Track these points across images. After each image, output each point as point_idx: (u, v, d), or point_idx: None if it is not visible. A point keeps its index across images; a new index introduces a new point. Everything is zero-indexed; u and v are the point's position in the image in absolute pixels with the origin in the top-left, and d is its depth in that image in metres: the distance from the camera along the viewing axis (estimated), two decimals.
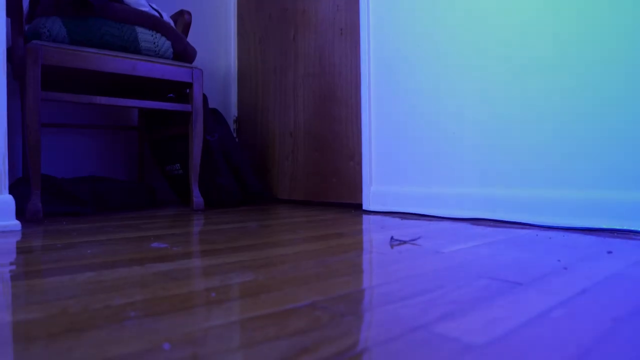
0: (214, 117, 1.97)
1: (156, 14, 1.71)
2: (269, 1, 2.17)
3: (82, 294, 0.54)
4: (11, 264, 0.74)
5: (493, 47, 1.30)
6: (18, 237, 1.02)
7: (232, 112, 2.42)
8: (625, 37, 1.05)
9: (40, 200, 1.39)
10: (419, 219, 1.36)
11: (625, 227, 1.03)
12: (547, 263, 0.71)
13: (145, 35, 1.63)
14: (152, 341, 0.39)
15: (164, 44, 1.68)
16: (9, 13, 1.46)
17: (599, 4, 1.10)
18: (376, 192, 1.64)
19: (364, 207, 1.67)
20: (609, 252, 0.80)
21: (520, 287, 0.57)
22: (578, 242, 0.91)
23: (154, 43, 1.65)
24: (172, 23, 1.77)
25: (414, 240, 0.92)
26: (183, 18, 1.87)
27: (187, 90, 1.80)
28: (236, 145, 1.96)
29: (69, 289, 0.57)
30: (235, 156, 1.93)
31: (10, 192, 1.15)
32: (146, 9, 1.67)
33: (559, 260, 0.73)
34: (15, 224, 1.13)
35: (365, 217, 1.45)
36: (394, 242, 0.90)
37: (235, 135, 2.39)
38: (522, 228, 1.13)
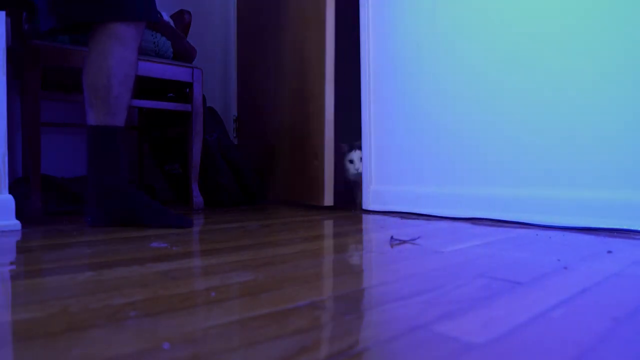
0: (211, 116, 1.97)
1: None
2: (268, 0, 2.17)
3: (82, 294, 0.54)
4: (11, 263, 0.74)
5: (495, 46, 1.30)
6: (18, 237, 1.02)
7: (232, 111, 2.42)
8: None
9: (40, 200, 1.39)
10: (418, 219, 1.36)
11: (625, 227, 1.03)
12: (547, 263, 0.71)
13: (145, 35, 1.63)
14: (152, 341, 0.39)
15: (164, 43, 1.68)
16: (8, 13, 1.46)
17: None
18: (376, 191, 1.64)
19: (364, 206, 1.67)
20: (609, 252, 0.80)
21: (520, 287, 0.57)
22: (578, 242, 0.91)
23: (154, 43, 1.65)
24: (172, 23, 1.77)
25: (413, 239, 0.92)
26: (183, 18, 1.87)
27: (187, 90, 1.80)
28: (233, 145, 1.96)
29: (68, 288, 0.57)
30: (234, 155, 1.93)
31: (10, 192, 1.15)
32: None
33: (558, 260, 0.73)
34: (15, 223, 1.13)
35: (365, 216, 1.45)
36: (394, 241, 0.90)
37: (235, 134, 2.39)
38: (522, 228, 1.13)
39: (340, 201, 1.74)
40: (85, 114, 1.18)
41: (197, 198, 1.75)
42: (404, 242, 0.90)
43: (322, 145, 1.67)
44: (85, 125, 1.18)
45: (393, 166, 1.59)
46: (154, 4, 1.19)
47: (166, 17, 1.76)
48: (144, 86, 1.85)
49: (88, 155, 1.17)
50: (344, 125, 1.84)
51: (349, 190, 1.82)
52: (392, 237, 0.93)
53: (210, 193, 1.92)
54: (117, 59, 1.12)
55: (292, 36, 1.88)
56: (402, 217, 1.41)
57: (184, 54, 1.74)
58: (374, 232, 1.10)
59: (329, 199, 1.65)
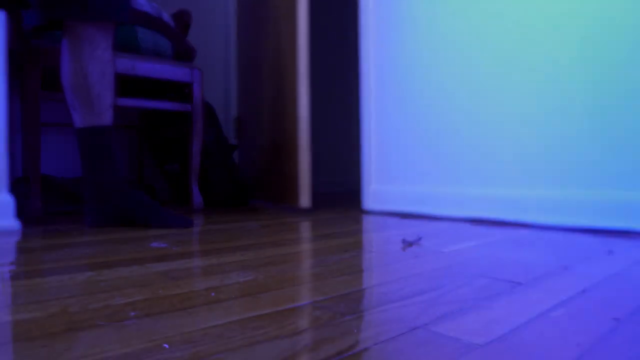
0: (208, 115, 1.96)
1: (156, 13, 1.71)
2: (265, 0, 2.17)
3: (82, 294, 0.54)
4: (11, 263, 0.74)
5: (496, 45, 1.30)
6: (18, 237, 1.02)
7: (232, 111, 2.42)
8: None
9: (40, 200, 1.39)
10: (418, 219, 1.36)
11: (625, 227, 1.03)
12: (547, 263, 0.71)
13: (145, 35, 1.63)
14: (152, 341, 0.39)
15: (164, 43, 1.68)
16: (9, 13, 1.46)
17: None
18: (376, 191, 1.64)
19: (364, 206, 1.67)
20: (609, 252, 0.80)
21: (520, 287, 0.57)
22: (578, 242, 0.91)
23: (154, 43, 1.65)
24: (172, 23, 1.77)
25: (418, 240, 0.92)
26: (183, 18, 1.87)
27: (187, 90, 1.80)
28: (228, 144, 1.96)
29: (68, 288, 0.57)
30: (229, 155, 1.93)
31: (10, 192, 1.15)
32: (146, 8, 1.67)
33: (559, 260, 0.73)
34: (15, 223, 1.13)
35: (365, 216, 1.45)
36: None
37: (235, 135, 2.39)
38: (522, 228, 1.13)
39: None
40: (71, 117, 1.18)
41: (197, 198, 1.75)
42: (412, 243, 0.90)
43: (297, 145, 1.61)
44: (73, 128, 1.19)
45: (393, 166, 1.59)
46: (126, 3, 1.17)
47: (166, 17, 1.76)
48: (144, 86, 1.84)
49: (81, 158, 1.18)
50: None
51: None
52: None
53: (210, 193, 1.92)
54: (89, 58, 1.13)
55: (272, 36, 1.86)
56: (402, 217, 1.41)
57: (184, 54, 1.74)
58: (373, 232, 1.10)
59: (304, 201, 1.58)
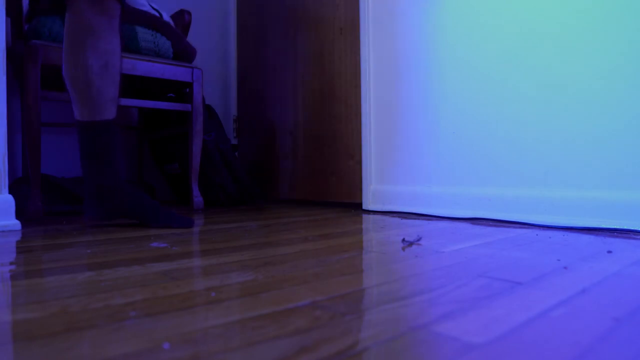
0: (209, 115, 1.97)
1: (156, 13, 1.71)
2: (269, 0, 2.17)
3: (82, 294, 0.54)
4: (11, 263, 0.74)
5: (495, 45, 1.30)
6: (18, 237, 1.02)
7: (232, 111, 2.42)
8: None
9: (40, 200, 1.39)
10: (418, 219, 1.36)
11: (625, 227, 1.03)
12: (547, 263, 0.71)
13: (145, 35, 1.63)
14: (152, 341, 0.39)
15: (164, 43, 1.68)
16: (8, 12, 1.46)
17: None
18: (376, 191, 1.64)
19: (364, 206, 1.67)
20: (609, 252, 0.80)
21: (520, 287, 0.57)
22: (578, 242, 0.91)
23: (154, 43, 1.65)
24: (172, 23, 1.77)
25: (418, 240, 0.92)
26: (183, 18, 1.87)
27: (187, 90, 1.80)
28: (230, 144, 1.97)
29: (68, 288, 0.57)
30: (231, 155, 1.93)
31: (10, 192, 1.15)
32: (146, 8, 1.67)
33: (558, 260, 0.73)
34: (15, 223, 1.13)
35: (365, 216, 1.45)
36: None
37: (235, 134, 2.39)
38: (522, 228, 1.13)
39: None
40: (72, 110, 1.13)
41: (198, 198, 1.75)
42: (412, 243, 0.90)
43: (360, 146, 1.72)
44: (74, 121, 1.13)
45: (393, 166, 1.59)
46: None
47: (166, 17, 1.76)
48: (144, 86, 1.84)
49: (80, 154, 1.13)
50: None
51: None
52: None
53: (209, 193, 1.92)
54: (90, 49, 1.06)
55: (314, 41, 1.91)
56: (402, 217, 1.41)
57: (183, 54, 1.74)
58: (374, 232, 1.10)
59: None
